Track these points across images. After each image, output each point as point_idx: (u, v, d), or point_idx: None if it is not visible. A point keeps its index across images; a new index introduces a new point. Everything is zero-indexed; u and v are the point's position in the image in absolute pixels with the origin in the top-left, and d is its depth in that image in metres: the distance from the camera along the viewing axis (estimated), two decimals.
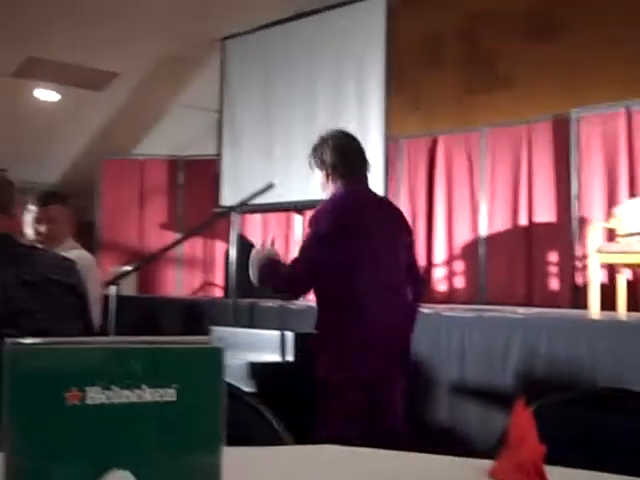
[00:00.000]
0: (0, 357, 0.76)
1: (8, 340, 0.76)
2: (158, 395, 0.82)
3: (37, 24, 8.08)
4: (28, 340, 0.77)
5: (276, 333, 5.09)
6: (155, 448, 0.83)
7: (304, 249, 3.28)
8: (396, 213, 3.54)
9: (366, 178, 3.46)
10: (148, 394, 0.82)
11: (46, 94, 9.62)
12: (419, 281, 3.55)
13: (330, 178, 3.40)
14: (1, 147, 10.01)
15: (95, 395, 0.79)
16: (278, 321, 5.47)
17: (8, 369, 0.76)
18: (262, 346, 5.13)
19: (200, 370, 0.86)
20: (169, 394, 0.83)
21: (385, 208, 3.51)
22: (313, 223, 3.28)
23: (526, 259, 7.09)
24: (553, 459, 1.16)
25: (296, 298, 3.69)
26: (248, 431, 1.81)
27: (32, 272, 2.59)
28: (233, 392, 1.84)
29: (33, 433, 0.77)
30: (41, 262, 2.66)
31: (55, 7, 7.87)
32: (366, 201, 3.41)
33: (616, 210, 6.10)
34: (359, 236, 3.23)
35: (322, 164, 3.42)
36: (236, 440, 1.73)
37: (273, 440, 1.74)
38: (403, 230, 3.50)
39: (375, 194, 3.55)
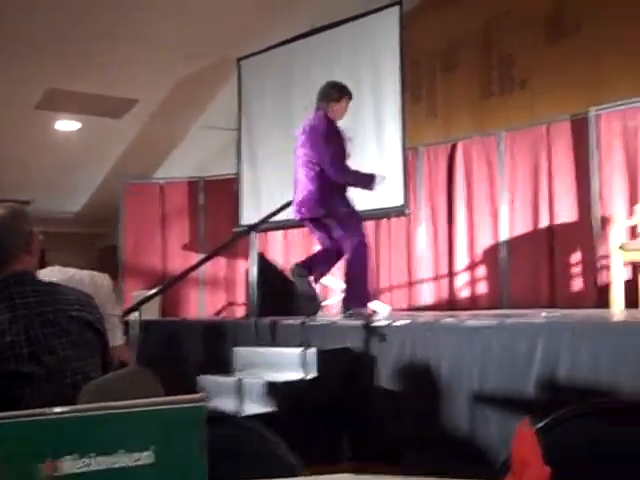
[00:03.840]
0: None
1: None
2: (135, 459, 0.83)
3: (56, 56, 8.19)
4: (2, 413, 0.79)
5: (298, 351, 5.11)
6: None
7: None
8: (312, 125, 5.76)
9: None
10: (125, 458, 0.83)
11: (67, 124, 9.73)
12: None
13: None
14: (26, 179, 10.16)
15: (71, 464, 0.80)
16: (300, 338, 5.47)
17: None
18: (284, 364, 5.14)
19: (178, 430, 0.86)
20: (146, 457, 0.84)
21: (308, 125, 5.79)
22: None
23: (549, 261, 7.06)
24: None
25: None
26: (260, 463, 1.81)
27: (53, 310, 2.61)
28: (247, 424, 1.85)
29: None
30: (61, 299, 2.68)
31: (73, 39, 7.97)
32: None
33: (638, 207, 6.06)
34: None
35: None
36: (249, 474, 1.75)
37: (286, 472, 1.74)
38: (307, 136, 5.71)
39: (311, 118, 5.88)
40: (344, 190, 5.71)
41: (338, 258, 5.87)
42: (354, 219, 5.69)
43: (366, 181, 5.70)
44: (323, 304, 7.33)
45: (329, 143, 5.54)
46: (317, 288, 7.77)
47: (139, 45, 8.22)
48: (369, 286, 5.78)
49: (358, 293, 5.63)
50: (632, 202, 6.41)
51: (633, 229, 6.09)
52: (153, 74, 8.85)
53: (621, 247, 5.61)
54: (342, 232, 5.59)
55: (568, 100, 7.49)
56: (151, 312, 7.60)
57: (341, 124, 7.34)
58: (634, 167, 6.55)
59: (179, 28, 8.13)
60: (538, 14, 7.94)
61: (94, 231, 12.01)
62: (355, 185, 5.71)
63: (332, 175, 5.54)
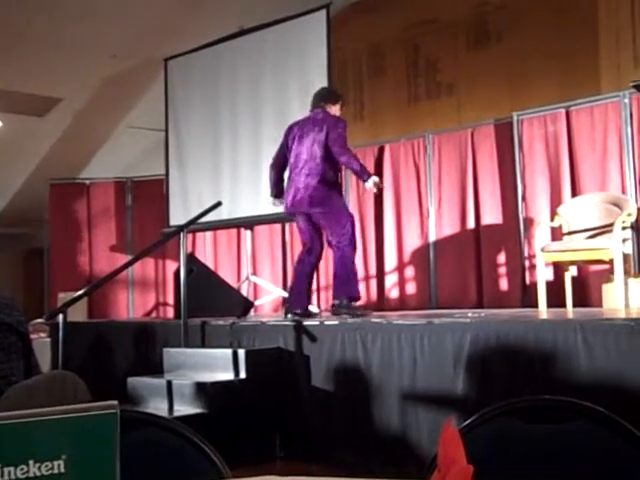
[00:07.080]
0: None
1: None
2: (45, 468, 0.81)
3: None
4: None
5: (228, 351, 5.09)
6: None
7: None
8: (318, 118, 5.71)
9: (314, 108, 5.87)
10: (35, 469, 0.80)
11: None
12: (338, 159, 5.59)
13: None
14: None
15: None
16: (230, 339, 5.45)
17: None
18: (214, 365, 5.12)
19: (90, 439, 0.84)
20: (57, 466, 0.81)
21: (312, 120, 5.76)
22: None
23: (476, 261, 7.17)
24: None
25: None
26: (185, 467, 1.79)
27: None
28: (172, 426, 1.83)
29: None
30: None
31: None
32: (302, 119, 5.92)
33: (560, 209, 6.19)
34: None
35: None
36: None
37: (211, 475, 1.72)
38: (316, 129, 5.64)
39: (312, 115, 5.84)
40: (341, 188, 5.86)
41: (314, 268, 6.05)
42: (346, 217, 5.70)
43: (367, 172, 5.68)
44: (255, 304, 7.32)
45: (338, 129, 5.61)
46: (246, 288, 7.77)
47: (62, 44, 8.06)
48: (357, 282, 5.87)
49: (349, 288, 5.65)
50: (555, 204, 6.55)
51: (556, 230, 6.23)
52: (78, 73, 8.67)
53: (542, 249, 5.74)
54: (332, 228, 5.63)
55: (492, 104, 7.64)
56: (78, 314, 7.48)
57: (265, 132, 7.40)
58: (556, 170, 6.71)
59: (105, 27, 8.01)
60: (462, 22, 8.12)
61: (18, 231, 11.72)
62: (357, 172, 5.69)
63: (341, 156, 5.55)
